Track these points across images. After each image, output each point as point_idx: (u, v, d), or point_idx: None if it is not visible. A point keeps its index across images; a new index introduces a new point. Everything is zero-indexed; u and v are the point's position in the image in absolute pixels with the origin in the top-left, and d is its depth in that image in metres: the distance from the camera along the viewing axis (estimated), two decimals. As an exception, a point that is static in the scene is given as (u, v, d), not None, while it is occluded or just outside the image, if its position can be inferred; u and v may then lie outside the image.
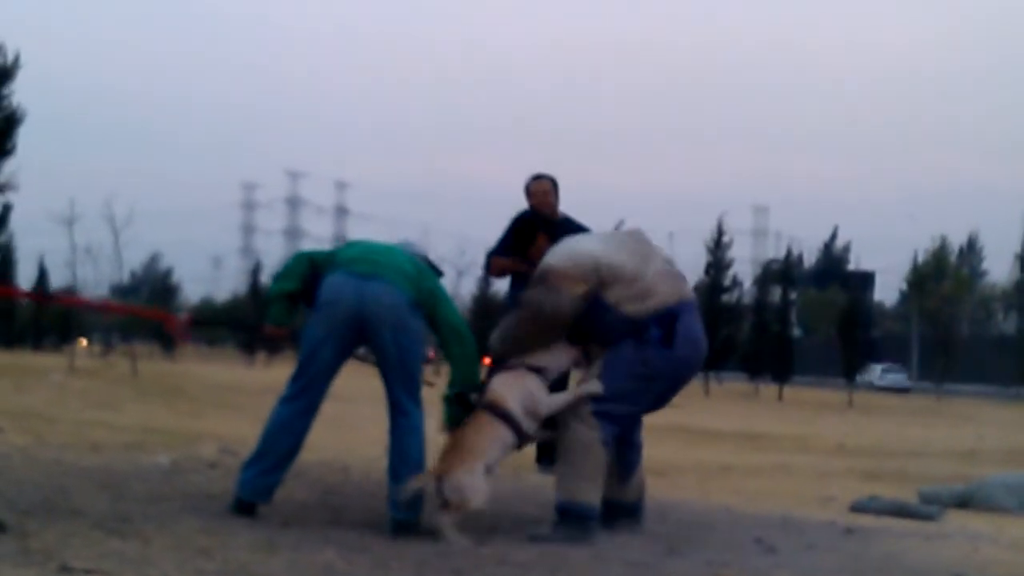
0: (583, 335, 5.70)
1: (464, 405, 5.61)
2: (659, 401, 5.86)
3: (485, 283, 50.24)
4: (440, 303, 5.60)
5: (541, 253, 6.02)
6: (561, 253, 5.73)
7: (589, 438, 5.55)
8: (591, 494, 5.57)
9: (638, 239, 5.89)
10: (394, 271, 5.48)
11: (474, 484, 5.35)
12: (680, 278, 5.87)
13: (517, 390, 5.53)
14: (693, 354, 5.77)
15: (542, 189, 8.08)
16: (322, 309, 5.45)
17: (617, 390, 5.58)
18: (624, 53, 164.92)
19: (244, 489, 5.48)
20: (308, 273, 5.63)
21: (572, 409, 5.59)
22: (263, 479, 5.48)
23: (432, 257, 5.87)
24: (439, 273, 5.77)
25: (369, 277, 5.42)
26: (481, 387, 5.66)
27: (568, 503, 5.54)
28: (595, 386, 5.56)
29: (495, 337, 5.76)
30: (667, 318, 5.61)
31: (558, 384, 5.87)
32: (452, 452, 5.43)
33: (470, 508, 5.34)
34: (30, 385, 15.88)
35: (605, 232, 6.11)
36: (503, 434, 5.49)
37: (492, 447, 5.48)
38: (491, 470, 5.49)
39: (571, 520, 5.51)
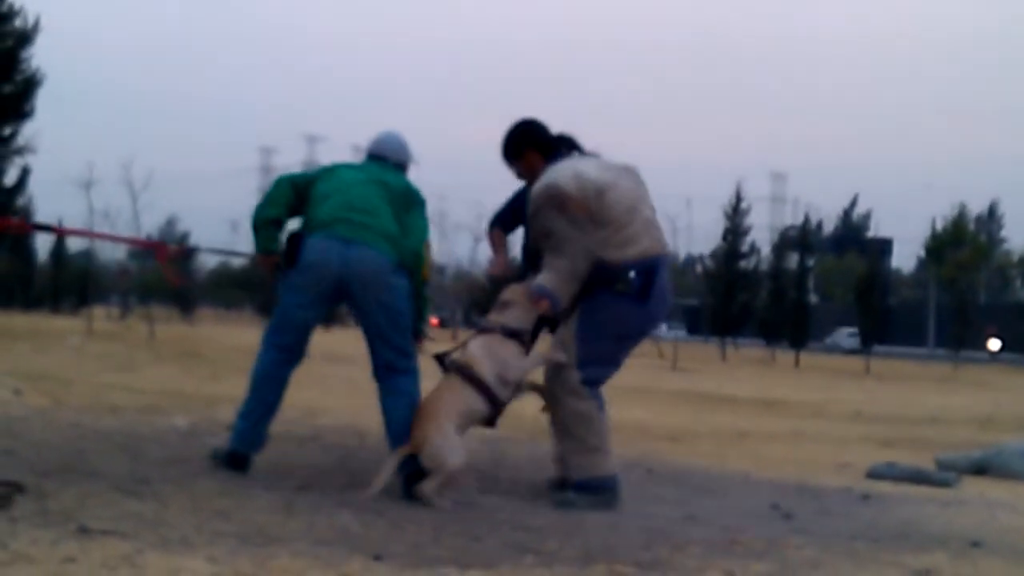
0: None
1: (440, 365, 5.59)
2: (624, 360, 5.81)
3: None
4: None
5: (533, 173, 5.73)
6: (567, 175, 5.49)
7: (587, 408, 5.50)
8: (605, 464, 5.53)
9: (635, 179, 5.74)
10: (377, 234, 5.43)
11: (448, 444, 5.28)
12: (661, 229, 5.72)
13: (492, 356, 5.44)
14: (662, 309, 5.70)
15: None
16: (305, 272, 5.41)
17: (599, 352, 5.52)
18: (641, 18, 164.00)
19: (241, 441, 5.52)
20: (292, 199, 5.58)
21: (560, 383, 5.51)
22: (257, 430, 5.53)
23: (416, 153, 5.87)
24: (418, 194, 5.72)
25: (352, 242, 5.38)
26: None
27: (587, 480, 5.48)
28: (560, 356, 5.49)
29: (549, 279, 5.42)
30: (647, 269, 5.50)
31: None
32: (423, 418, 5.35)
33: (451, 470, 5.27)
34: (48, 348, 15.94)
35: (606, 161, 5.79)
36: (472, 399, 5.40)
37: (462, 409, 5.39)
38: (461, 431, 5.43)
39: (594, 493, 5.46)
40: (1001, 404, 18.33)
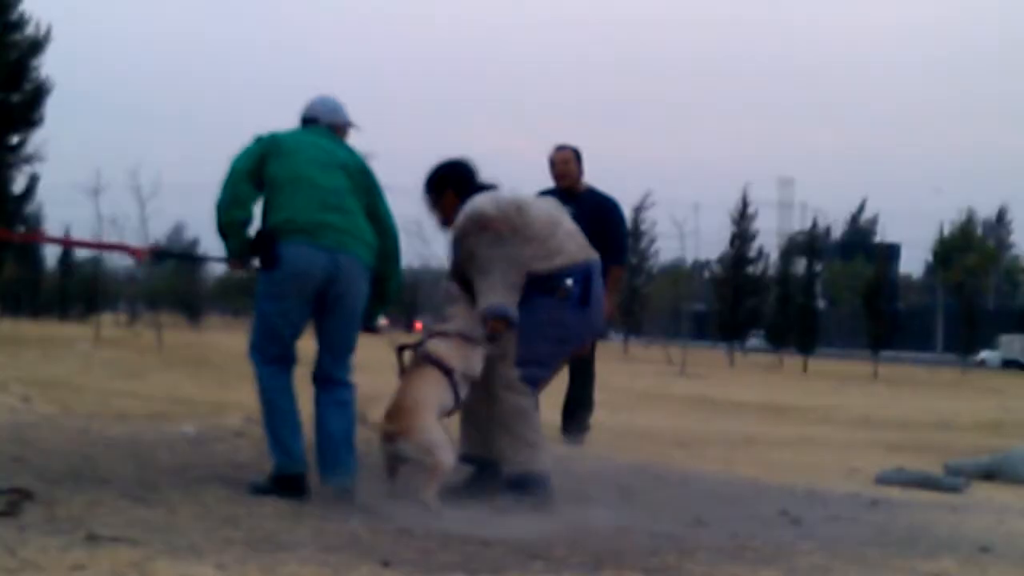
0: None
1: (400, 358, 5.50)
2: (561, 365, 5.91)
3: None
4: (380, 203, 5.57)
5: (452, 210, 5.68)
6: (484, 199, 5.53)
7: (524, 404, 5.50)
8: (542, 461, 5.52)
9: (554, 204, 5.88)
10: (357, 239, 5.35)
11: (440, 439, 5.18)
12: (585, 241, 5.72)
13: (458, 351, 5.38)
14: (600, 315, 5.78)
15: (563, 159, 8.12)
16: (289, 281, 5.25)
17: (536, 354, 5.52)
18: (650, 24, 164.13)
19: (300, 462, 5.27)
20: (256, 195, 5.39)
21: (498, 379, 5.47)
22: (294, 444, 5.30)
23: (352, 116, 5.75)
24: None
25: (337, 251, 5.27)
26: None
27: (523, 475, 5.45)
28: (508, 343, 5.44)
29: (491, 297, 5.38)
30: (584, 276, 5.55)
31: None
32: (402, 408, 5.21)
33: (446, 467, 5.15)
34: (57, 355, 15.97)
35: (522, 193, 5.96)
36: (445, 392, 5.31)
37: (439, 402, 5.29)
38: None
39: (530, 489, 5.41)
40: (1010, 409, 18.29)
